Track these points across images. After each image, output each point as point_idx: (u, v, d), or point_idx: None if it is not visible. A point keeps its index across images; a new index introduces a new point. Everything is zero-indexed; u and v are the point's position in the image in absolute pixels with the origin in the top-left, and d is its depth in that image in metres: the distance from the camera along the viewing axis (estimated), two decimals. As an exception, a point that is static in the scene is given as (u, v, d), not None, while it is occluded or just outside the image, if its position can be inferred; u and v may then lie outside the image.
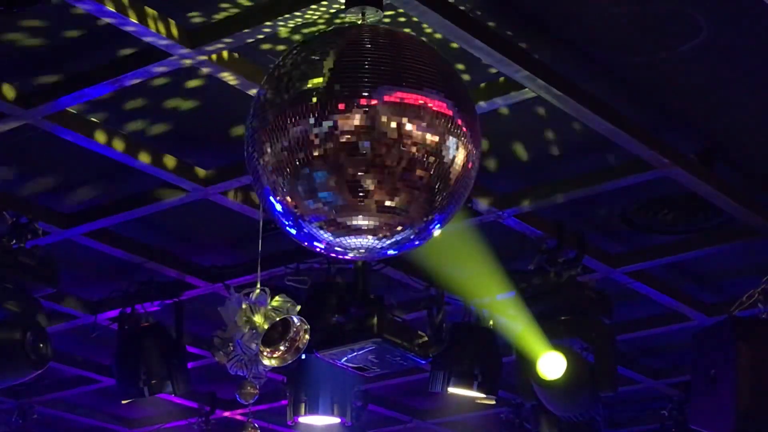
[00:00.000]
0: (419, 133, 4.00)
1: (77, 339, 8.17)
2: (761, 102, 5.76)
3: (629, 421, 9.67)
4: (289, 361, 5.24)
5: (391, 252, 4.28)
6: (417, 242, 4.27)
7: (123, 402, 7.49)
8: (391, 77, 4.01)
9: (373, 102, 3.98)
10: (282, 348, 5.22)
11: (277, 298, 5.25)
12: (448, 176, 4.09)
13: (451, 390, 7.24)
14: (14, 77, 5.54)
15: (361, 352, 6.42)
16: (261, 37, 5.12)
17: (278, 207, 4.17)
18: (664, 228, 6.97)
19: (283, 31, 5.14)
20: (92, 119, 5.86)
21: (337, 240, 4.17)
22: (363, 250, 4.21)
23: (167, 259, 7.24)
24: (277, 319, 5.19)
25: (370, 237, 4.14)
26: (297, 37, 5.20)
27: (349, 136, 3.97)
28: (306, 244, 4.27)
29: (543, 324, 6.72)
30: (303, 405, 7.42)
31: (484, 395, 7.30)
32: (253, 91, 5.29)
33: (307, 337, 5.23)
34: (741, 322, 6.23)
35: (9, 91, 5.55)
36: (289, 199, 4.11)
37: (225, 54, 5.28)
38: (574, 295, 6.78)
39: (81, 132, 5.82)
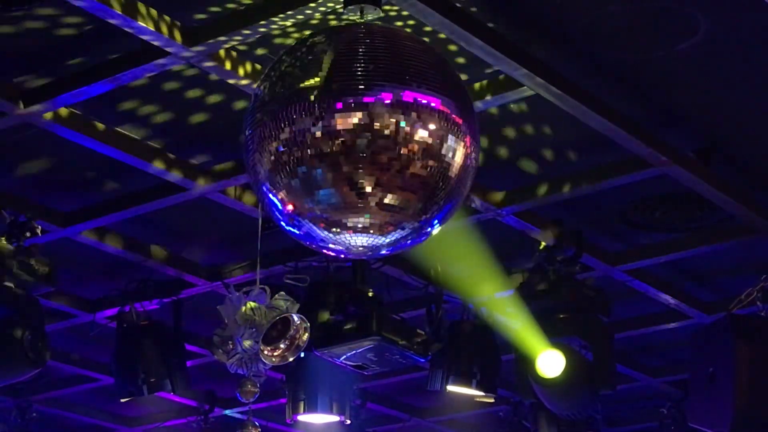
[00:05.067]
0: (417, 131, 4.00)
1: (76, 337, 8.16)
2: (759, 100, 5.76)
3: (628, 419, 9.67)
4: (289, 360, 5.23)
5: (389, 250, 4.28)
6: (416, 240, 4.27)
7: (122, 400, 7.49)
8: (390, 76, 4.01)
9: (371, 101, 3.97)
10: (282, 346, 5.22)
11: (276, 296, 5.25)
12: (447, 174, 4.09)
13: (450, 388, 7.24)
14: (12, 75, 5.53)
15: (360, 351, 6.42)
16: (260, 36, 5.12)
17: (277, 205, 4.17)
18: (662, 226, 6.97)
19: (281, 30, 5.14)
20: (91, 117, 5.85)
21: (336, 238, 4.17)
22: (362, 249, 4.21)
23: (166, 258, 7.24)
24: (277, 317, 5.18)
25: (368, 235, 4.14)
26: (295, 35, 5.20)
27: (347, 135, 3.97)
28: (305, 242, 4.27)
29: (542, 322, 6.71)
30: (302, 403, 7.42)
31: (482, 393, 7.30)
32: (252, 89, 5.29)
33: (306, 335, 5.22)
34: (740, 320, 6.23)
35: (7, 90, 5.55)
36: (287, 197, 4.11)
37: (223, 52, 5.27)
38: (573, 293, 6.77)
39: (79, 130, 5.82)
